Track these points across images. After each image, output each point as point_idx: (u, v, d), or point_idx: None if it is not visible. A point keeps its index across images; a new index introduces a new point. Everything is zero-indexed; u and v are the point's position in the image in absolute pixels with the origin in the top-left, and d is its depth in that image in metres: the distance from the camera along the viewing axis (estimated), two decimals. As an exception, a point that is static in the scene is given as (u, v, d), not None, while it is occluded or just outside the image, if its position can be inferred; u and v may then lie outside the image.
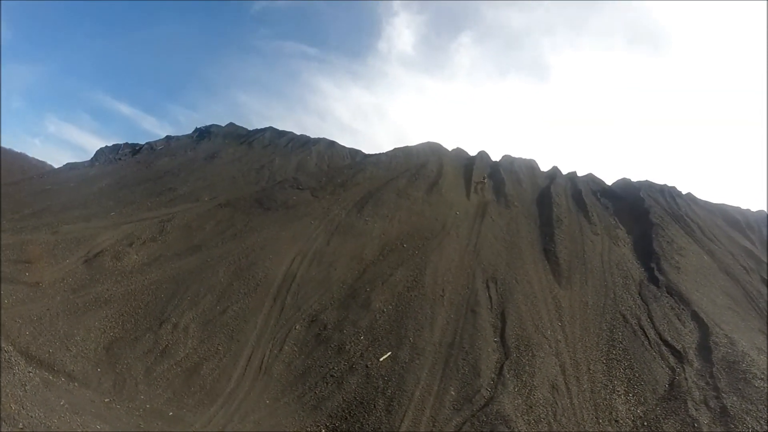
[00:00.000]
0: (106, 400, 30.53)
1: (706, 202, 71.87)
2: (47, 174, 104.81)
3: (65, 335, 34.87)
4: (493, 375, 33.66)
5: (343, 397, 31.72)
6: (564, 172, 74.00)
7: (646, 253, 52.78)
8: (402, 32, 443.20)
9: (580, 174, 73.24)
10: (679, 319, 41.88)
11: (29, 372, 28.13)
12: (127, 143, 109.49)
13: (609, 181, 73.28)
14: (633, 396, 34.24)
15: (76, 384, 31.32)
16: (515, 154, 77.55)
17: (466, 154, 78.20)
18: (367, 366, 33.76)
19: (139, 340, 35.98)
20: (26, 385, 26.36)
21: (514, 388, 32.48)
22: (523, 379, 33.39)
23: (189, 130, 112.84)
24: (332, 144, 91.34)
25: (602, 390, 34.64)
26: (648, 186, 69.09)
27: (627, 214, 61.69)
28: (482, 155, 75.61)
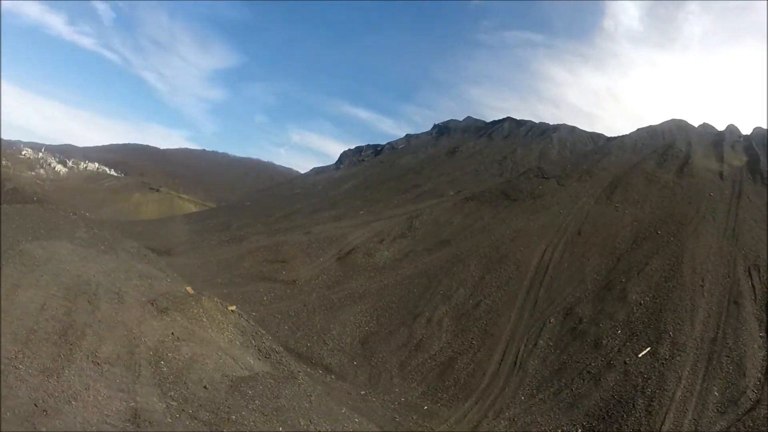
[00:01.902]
0: (362, 393, 32.14)
1: None
2: (295, 179, 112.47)
3: (322, 330, 37.34)
4: (759, 375, 31.23)
5: (600, 395, 31.00)
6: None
7: None
8: (626, 7, 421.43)
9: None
10: None
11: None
12: (369, 145, 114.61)
13: None
14: None
15: (333, 376, 33.49)
16: (764, 124, 71.48)
17: (714, 129, 73.70)
18: (625, 362, 32.89)
19: (393, 334, 37.52)
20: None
21: None
22: None
23: (425, 129, 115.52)
24: (573, 129, 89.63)
25: None
26: None
27: None
28: (731, 129, 71.03)
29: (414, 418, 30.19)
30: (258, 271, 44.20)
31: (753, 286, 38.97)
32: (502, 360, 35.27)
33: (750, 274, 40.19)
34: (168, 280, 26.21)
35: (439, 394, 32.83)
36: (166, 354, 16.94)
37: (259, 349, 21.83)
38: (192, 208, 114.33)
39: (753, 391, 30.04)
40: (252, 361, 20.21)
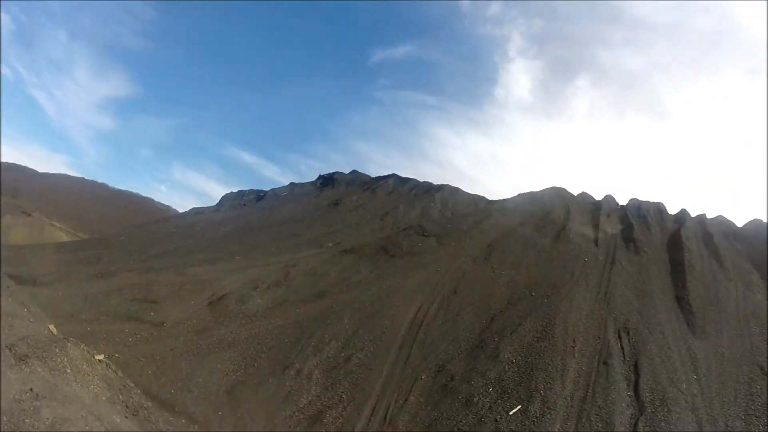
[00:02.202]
0: None
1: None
2: (173, 218, 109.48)
3: (187, 376, 35.23)
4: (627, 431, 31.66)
5: None
6: (692, 214, 70.09)
7: (783, 300, 49.06)
8: (519, 78, 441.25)
9: (709, 216, 69.35)
10: (821, 378, 38.60)
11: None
12: (251, 189, 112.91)
13: (739, 222, 68.69)
14: (775, 458, 31.77)
15: (196, 426, 31.43)
16: (640, 196, 74.62)
17: (592, 198, 75.97)
18: (496, 419, 32.44)
19: (261, 385, 35.83)
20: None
21: None
22: None
23: (310, 178, 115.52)
24: (456, 191, 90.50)
25: None
26: (781, 226, 64.41)
27: (760, 258, 57.65)
28: (608, 199, 73.48)
29: None
30: (125, 310, 41.78)
31: (622, 347, 39.59)
32: (372, 415, 34.12)
33: (620, 336, 40.85)
34: (30, 320, 23.92)
35: None
36: (23, 420, 14.99)
37: (126, 405, 19.91)
38: (63, 237, 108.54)
39: None
40: (118, 420, 18.28)
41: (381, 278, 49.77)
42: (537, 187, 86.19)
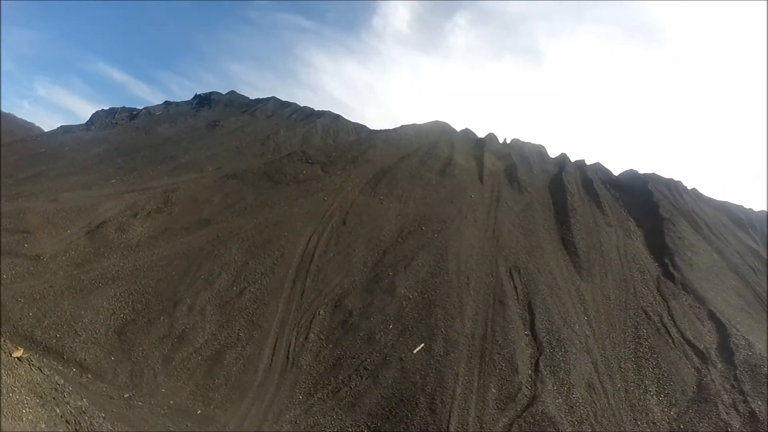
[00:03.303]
0: (125, 396, 27.96)
1: (710, 199, 70.83)
2: (40, 136, 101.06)
3: (72, 317, 32.10)
4: (530, 371, 32.15)
5: (381, 394, 29.63)
6: (571, 159, 71.52)
7: (659, 248, 51.57)
8: (397, 9, 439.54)
9: (587, 162, 70.97)
10: (698, 318, 41.13)
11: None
12: (124, 107, 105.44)
13: (614, 171, 70.91)
14: (665, 397, 33.48)
15: (89, 376, 28.81)
16: (512, 136, 75.30)
17: (475, 135, 75.68)
18: (401, 358, 31.67)
19: (152, 324, 33.26)
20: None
21: (553, 386, 31.06)
22: (560, 376, 31.97)
23: (181, 98, 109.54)
24: (337, 118, 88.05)
25: (635, 390, 33.66)
26: (655, 179, 67.41)
27: (636, 207, 59.99)
28: (491, 137, 73.35)
29: (189, 425, 26.55)
30: None
31: (515, 286, 39.73)
32: (273, 355, 32.60)
33: (511, 275, 40.96)
34: None
35: (210, 394, 29.50)
36: None
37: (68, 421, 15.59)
38: None
39: (527, 387, 30.83)
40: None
41: (267, 206, 47.34)
42: (415, 120, 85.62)
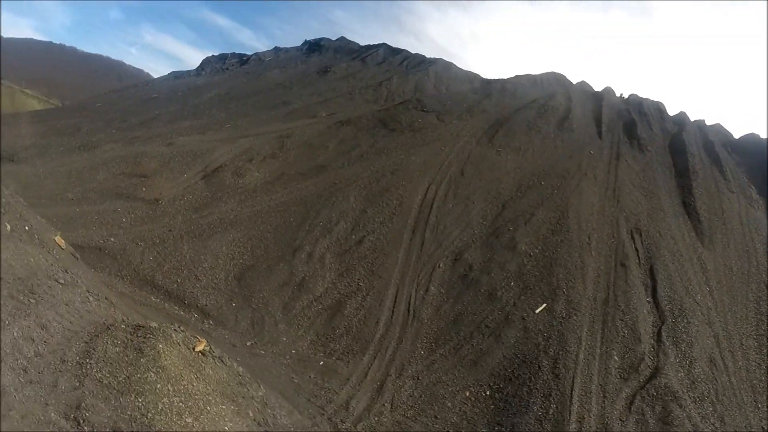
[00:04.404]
0: (248, 344, 28.01)
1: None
2: (151, 82, 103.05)
3: (192, 261, 32.20)
4: (652, 341, 30.44)
5: (503, 353, 28.50)
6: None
7: (782, 219, 48.36)
8: None
9: (707, 123, 67.35)
10: (824, 300, 38.24)
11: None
12: (234, 53, 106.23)
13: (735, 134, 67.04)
14: (787, 379, 31.27)
15: (211, 322, 28.94)
16: (638, 91, 72.15)
17: (592, 88, 72.80)
18: (523, 318, 30.52)
19: (272, 270, 33.02)
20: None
21: (676, 359, 29.37)
22: (682, 348, 30.22)
23: (284, 45, 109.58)
24: (449, 65, 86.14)
25: (756, 369, 31.43)
26: (778, 144, 63.05)
27: (757, 173, 56.49)
28: (609, 91, 70.17)
29: (312, 377, 26.21)
30: (114, 186, 37.87)
31: (636, 249, 38.06)
32: (394, 306, 31.91)
33: (633, 237, 39.25)
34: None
35: (332, 345, 29.08)
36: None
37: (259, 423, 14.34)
38: (36, 105, 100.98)
39: (650, 357, 29.01)
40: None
41: (383, 154, 46.53)
42: (523, 71, 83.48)
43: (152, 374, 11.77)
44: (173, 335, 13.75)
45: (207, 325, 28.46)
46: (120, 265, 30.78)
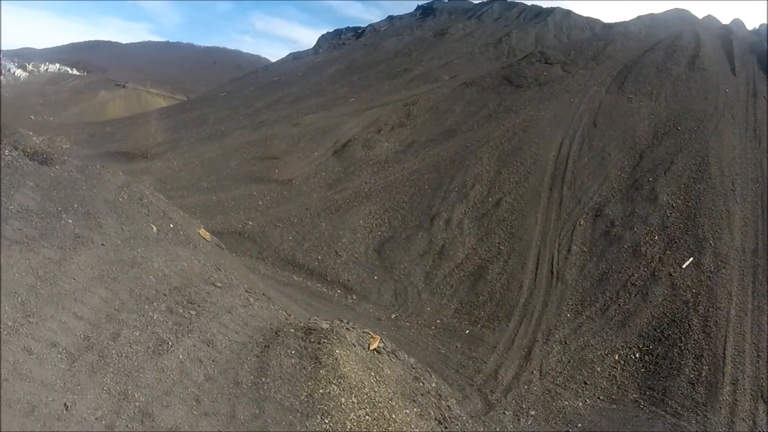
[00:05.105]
0: (393, 317, 28.35)
1: None
2: (270, 66, 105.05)
3: (330, 238, 33.00)
4: None
5: (651, 313, 27.72)
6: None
7: None
8: None
9: None
10: None
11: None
12: (348, 27, 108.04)
13: None
14: None
15: (354, 297, 29.51)
16: (758, 20, 67.80)
17: (719, 22, 69.03)
18: (670, 274, 29.60)
19: (411, 240, 33.34)
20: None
21: None
22: None
23: (395, 13, 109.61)
24: (568, 13, 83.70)
25: None
26: None
27: None
28: (737, 23, 66.44)
29: (458, 346, 26.44)
30: (247, 171, 39.34)
31: (787, 191, 36.53)
32: (536, 269, 31.56)
33: (779, 179, 37.74)
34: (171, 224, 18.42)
35: (476, 312, 29.11)
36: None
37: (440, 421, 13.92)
38: (162, 103, 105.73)
39: None
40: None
41: (511, 111, 46.03)
42: (643, 11, 79.74)
43: (335, 387, 11.29)
44: (347, 336, 13.36)
45: (351, 300, 29.18)
46: (260, 247, 31.99)
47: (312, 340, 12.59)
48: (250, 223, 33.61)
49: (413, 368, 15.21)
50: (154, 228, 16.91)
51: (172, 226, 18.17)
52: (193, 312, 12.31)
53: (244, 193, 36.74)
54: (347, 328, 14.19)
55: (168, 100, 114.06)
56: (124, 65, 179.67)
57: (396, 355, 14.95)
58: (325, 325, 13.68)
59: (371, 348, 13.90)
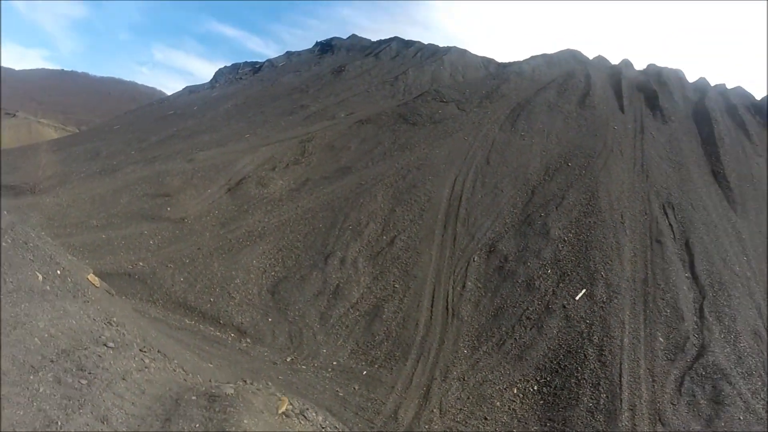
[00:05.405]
0: (288, 360, 27.42)
1: None
2: (166, 99, 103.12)
3: (223, 278, 31.78)
4: (695, 318, 29.74)
5: (547, 345, 27.85)
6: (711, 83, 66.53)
7: (810, 182, 47.35)
8: None
9: (728, 87, 65.86)
10: None
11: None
12: (246, 62, 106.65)
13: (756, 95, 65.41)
14: (832, 349, 30.47)
15: (249, 340, 28.45)
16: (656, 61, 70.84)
17: (609, 62, 71.75)
18: (564, 306, 29.85)
19: (305, 280, 32.47)
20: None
21: (720, 335, 28.62)
22: (726, 323, 29.48)
23: (294, 49, 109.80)
24: (464, 53, 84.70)
25: None
26: (801, 103, 61.43)
27: (783, 135, 55.31)
28: (627, 63, 69.00)
29: (356, 388, 25.70)
30: (139, 208, 37.59)
31: (670, 224, 37.37)
32: (432, 306, 31.29)
33: (665, 212, 38.56)
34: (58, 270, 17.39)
35: (373, 352, 28.51)
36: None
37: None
38: (53, 134, 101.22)
39: (695, 336, 28.43)
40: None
41: (406, 149, 45.93)
42: (533, 52, 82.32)
43: (246, 461, 10.00)
44: (254, 401, 12.53)
45: (245, 344, 28.09)
46: (151, 289, 30.54)
47: (217, 409, 11.60)
48: (141, 263, 32.10)
49: (323, 427, 14.99)
50: (40, 276, 15.69)
51: (59, 272, 16.97)
52: (84, 381, 10.95)
53: (134, 232, 35.12)
54: (253, 392, 13.35)
55: (59, 131, 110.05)
56: (16, 93, 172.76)
57: (305, 416, 14.38)
58: (229, 390, 12.74)
59: (279, 412, 13.13)
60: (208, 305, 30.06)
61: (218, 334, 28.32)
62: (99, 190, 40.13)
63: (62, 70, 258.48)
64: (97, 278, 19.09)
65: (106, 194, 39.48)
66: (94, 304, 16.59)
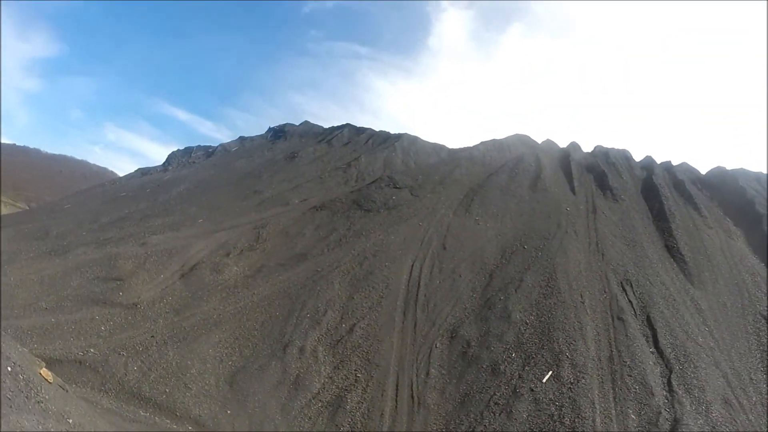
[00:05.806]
0: None
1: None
2: (118, 180, 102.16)
3: (179, 368, 30.31)
4: (665, 392, 29.55)
5: (518, 430, 26.94)
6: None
7: (762, 247, 48.42)
8: (452, 27, 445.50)
9: (674, 163, 67.83)
10: (820, 325, 37.92)
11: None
12: (199, 146, 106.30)
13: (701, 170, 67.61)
14: (802, 411, 30.50)
15: None
16: (603, 143, 72.71)
17: (557, 145, 73.45)
18: (531, 389, 29.17)
19: (264, 370, 31.29)
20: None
21: (691, 406, 28.47)
22: (696, 394, 29.38)
23: (246, 133, 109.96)
24: (415, 139, 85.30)
25: None
26: (744, 174, 63.31)
27: (730, 206, 56.87)
28: (575, 146, 70.66)
29: None
30: (90, 292, 36.15)
31: (630, 301, 37.37)
32: (396, 395, 30.25)
33: (624, 289, 38.61)
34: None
35: None
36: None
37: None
38: (2, 210, 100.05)
39: (666, 410, 28.21)
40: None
41: (362, 236, 45.56)
42: (481, 137, 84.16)
43: None
44: None
45: None
46: (103, 378, 28.88)
47: None
48: (92, 350, 30.53)
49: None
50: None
51: (10, 369, 15.58)
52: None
53: (85, 317, 33.56)
54: None
55: (8, 207, 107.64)
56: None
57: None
58: None
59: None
60: (164, 396, 28.51)
61: (175, 427, 26.78)
62: (48, 271, 38.54)
63: (14, 144, 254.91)
64: (50, 372, 17.89)
65: (56, 276, 37.95)
66: (48, 407, 15.45)
